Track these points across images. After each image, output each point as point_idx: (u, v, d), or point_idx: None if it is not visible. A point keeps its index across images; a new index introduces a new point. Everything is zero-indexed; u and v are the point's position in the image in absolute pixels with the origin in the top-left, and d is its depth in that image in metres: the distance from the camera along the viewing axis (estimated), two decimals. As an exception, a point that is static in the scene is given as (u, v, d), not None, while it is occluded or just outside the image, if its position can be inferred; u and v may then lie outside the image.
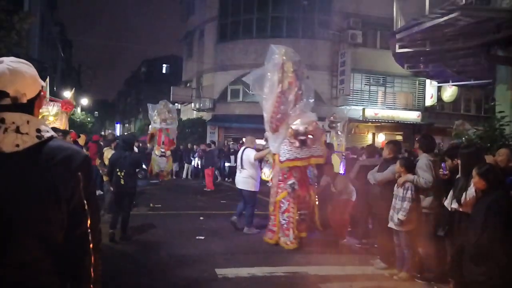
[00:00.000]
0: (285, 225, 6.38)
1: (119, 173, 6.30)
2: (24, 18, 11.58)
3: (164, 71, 45.23)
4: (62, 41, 30.24)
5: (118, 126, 60.61)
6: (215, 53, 22.32)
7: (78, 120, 22.46)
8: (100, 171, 8.86)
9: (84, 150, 9.74)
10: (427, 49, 8.27)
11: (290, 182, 6.29)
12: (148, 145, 15.98)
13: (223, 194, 12.22)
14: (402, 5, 8.99)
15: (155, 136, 14.49)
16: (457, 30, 7.23)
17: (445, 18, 6.44)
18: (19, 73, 1.39)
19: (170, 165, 15.02)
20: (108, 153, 8.56)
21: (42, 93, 1.48)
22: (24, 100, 1.39)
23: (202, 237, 6.81)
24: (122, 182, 6.32)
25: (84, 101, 32.27)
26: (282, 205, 6.43)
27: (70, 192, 1.36)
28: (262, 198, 11.82)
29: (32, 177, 1.31)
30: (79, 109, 28.37)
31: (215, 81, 22.26)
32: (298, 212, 6.38)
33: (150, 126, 15.21)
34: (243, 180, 7.37)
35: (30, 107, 1.42)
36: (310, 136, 6.30)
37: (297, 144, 6.26)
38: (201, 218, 8.45)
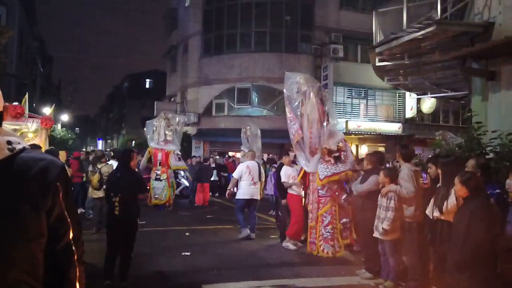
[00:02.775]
0: (329, 236, 6.74)
1: (113, 199, 4.78)
2: (1, 32, 11.42)
3: (147, 86, 45.04)
4: (42, 56, 29.86)
5: (100, 142, 59.69)
6: (199, 67, 22.41)
7: (58, 136, 22.02)
8: (89, 188, 8.64)
9: (67, 167, 9.61)
10: (406, 62, 8.52)
11: (343, 197, 6.89)
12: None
13: (209, 209, 12.14)
14: (381, 20, 9.26)
15: (151, 157, 12.31)
16: (433, 43, 7.50)
17: (422, 32, 6.67)
18: None
19: (168, 190, 12.03)
20: (108, 168, 8.34)
21: (6, 107, 1.41)
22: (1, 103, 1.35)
23: (188, 253, 6.73)
24: (117, 211, 4.71)
25: (65, 117, 31.68)
26: (324, 218, 6.84)
27: (50, 204, 1.30)
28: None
29: (6, 192, 1.23)
30: (59, 126, 27.86)
31: (199, 95, 22.29)
32: (341, 221, 6.88)
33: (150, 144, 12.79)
34: (257, 191, 8.16)
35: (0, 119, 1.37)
36: (343, 152, 6.96)
37: (332, 161, 6.85)
38: (187, 234, 8.36)
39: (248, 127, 14.07)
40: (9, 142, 1.29)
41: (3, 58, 12.10)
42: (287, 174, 7.53)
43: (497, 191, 3.72)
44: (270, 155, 17.66)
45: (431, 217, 4.00)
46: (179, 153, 12.72)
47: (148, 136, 12.63)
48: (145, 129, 12.87)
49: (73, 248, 1.37)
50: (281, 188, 7.74)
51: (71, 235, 1.36)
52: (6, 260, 1.22)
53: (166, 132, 12.39)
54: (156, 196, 11.84)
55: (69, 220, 1.37)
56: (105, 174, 8.33)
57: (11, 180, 1.26)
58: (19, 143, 1.33)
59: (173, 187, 12.58)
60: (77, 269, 1.38)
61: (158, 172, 12.00)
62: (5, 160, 1.26)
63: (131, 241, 4.89)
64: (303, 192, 7.72)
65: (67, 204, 1.37)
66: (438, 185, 4.11)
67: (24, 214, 1.25)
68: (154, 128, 12.45)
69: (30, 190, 1.27)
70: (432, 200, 4.05)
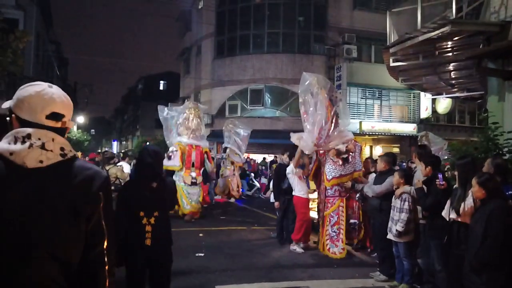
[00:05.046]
0: (335, 236, 6.82)
1: (144, 221, 3.11)
2: (20, 37, 11.67)
3: (161, 87, 45.44)
4: (58, 59, 30.38)
5: (115, 144, 60.51)
6: (213, 69, 22.54)
7: (74, 138, 22.44)
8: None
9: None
10: (421, 62, 8.43)
11: (358, 195, 6.91)
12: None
13: (222, 210, 12.17)
14: (395, 20, 9.17)
15: (184, 155, 9.91)
16: (449, 43, 7.40)
17: (437, 32, 6.59)
18: (70, 101, 1.49)
19: (202, 195, 10.37)
20: (116, 170, 8.26)
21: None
22: (71, 126, 1.48)
23: (202, 254, 6.77)
24: (149, 240, 3.11)
25: (80, 119, 32.25)
26: (331, 218, 6.91)
27: (90, 212, 1.37)
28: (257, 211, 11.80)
29: (52, 195, 1.31)
30: (75, 127, 28.33)
31: (212, 97, 22.41)
32: (349, 222, 6.92)
33: (170, 141, 10.44)
34: None
35: (65, 131, 1.49)
36: (351, 154, 6.95)
37: (340, 162, 6.87)
38: (200, 234, 8.40)
39: (230, 124, 13.65)
40: (62, 149, 1.38)
41: (21, 62, 12.35)
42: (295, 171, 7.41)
43: (511, 192, 3.66)
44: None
45: (447, 219, 3.95)
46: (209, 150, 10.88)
47: (173, 130, 10.35)
48: (165, 115, 10.44)
49: (105, 258, 1.42)
50: (277, 189, 7.68)
51: (105, 244, 1.42)
52: (45, 259, 1.29)
53: (198, 126, 10.32)
54: (191, 205, 9.85)
55: (105, 229, 1.42)
56: (112, 176, 8.32)
57: (59, 184, 1.34)
58: (70, 150, 1.42)
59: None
60: (107, 281, 1.43)
61: (194, 175, 9.88)
62: (56, 164, 1.35)
63: (167, 274, 3.31)
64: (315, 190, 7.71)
65: (106, 213, 1.43)
66: (455, 186, 4.06)
67: (65, 218, 1.32)
68: (185, 120, 10.11)
69: (74, 196, 1.35)
70: (448, 202, 4.00)
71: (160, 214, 3.19)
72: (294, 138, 7.29)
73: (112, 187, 8.09)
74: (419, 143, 9.18)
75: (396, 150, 21.27)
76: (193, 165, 9.98)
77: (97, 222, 1.40)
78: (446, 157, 7.39)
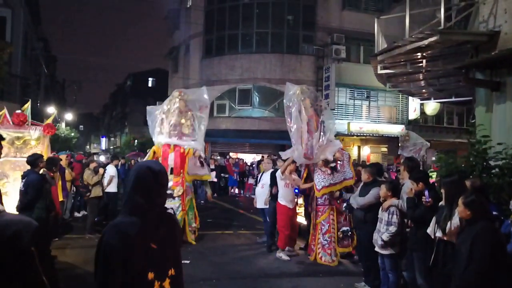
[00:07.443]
0: (326, 245, 6.85)
1: (156, 286, 1.87)
2: (2, 48, 11.60)
3: (150, 84, 45.10)
4: (46, 56, 29.83)
5: (103, 140, 59.94)
6: (201, 68, 22.34)
7: (62, 135, 22.10)
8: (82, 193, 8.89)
9: (70, 171, 9.63)
10: (409, 70, 8.41)
11: (344, 205, 6.74)
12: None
13: (209, 212, 12.06)
14: (383, 25, 9.13)
15: (158, 158, 7.64)
16: (436, 52, 7.38)
17: (425, 41, 6.57)
18: None
19: (183, 214, 7.61)
20: (85, 175, 8.71)
21: None
22: None
23: (188, 261, 6.67)
24: None
25: (69, 116, 31.91)
26: (322, 227, 6.94)
27: (22, 269, 1.30)
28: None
29: None
30: (63, 124, 27.91)
31: (201, 96, 22.22)
32: (340, 230, 6.94)
33: (155, 141, 8.02)
34: None
35: None
36: (339, 162, 6.97)
37: (329, 171, 6.88)
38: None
39: None
40: None
41: (4, 73, 12.22)
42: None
43: (494, 213, 3.63)
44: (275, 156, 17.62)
45: (432, 237, 3.92)
46: (203, 155, 8.31)
47: (151, 129, 8.09)
48: (148, 119, 8.16)
49: None
50: (273, 195, 7.54)
51: None
52: None
53: (182, 120, 7.92)
54: None
55: (45, 282, 1.35)
56: (85, 180, 8.70)
57: None
58: None
59: (193, 210, 8.12)
60: None
61: (170, 184, 7.26)
62: None
63: None
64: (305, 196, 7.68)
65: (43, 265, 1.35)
66: (441, 203, 4.03)
67: None
68: (164, 116, 7.88)
69: (2, 256, 1.27)
70: (433, 219, 3.96)
71: (177, 272, 2.03)
72: (287, 153, 7.33)
73: (81, 189, 8.45)
74: (400, 143, 9.25)
75: (384, 150, 21.42)
76: (171, 172, 7.58)
77: (33, 278, 1.32)
78: (433, 158, 7.44)
